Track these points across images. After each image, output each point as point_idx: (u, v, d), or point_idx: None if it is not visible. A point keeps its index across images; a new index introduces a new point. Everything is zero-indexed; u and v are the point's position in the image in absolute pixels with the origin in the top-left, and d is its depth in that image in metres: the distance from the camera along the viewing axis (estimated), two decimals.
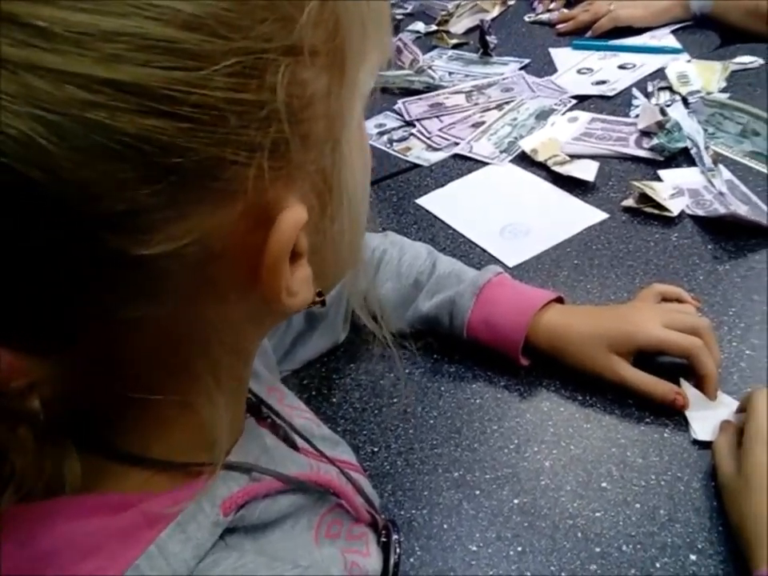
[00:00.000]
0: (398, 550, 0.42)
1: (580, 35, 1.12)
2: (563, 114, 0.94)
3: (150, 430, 0.28)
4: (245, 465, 0.31)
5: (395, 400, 0.62)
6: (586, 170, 0.83)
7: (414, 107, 1.02)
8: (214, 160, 0.21)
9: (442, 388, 0.62)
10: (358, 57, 0.25)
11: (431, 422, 0.60)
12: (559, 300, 0.62)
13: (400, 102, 1.02)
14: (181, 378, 0.27)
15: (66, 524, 0.25)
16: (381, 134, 0.98)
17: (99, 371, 0.26)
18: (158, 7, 0.19)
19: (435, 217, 0.82)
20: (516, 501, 0.53)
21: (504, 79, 1.04)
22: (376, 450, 0.58)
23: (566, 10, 1.17)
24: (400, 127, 0.99)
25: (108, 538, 0.25)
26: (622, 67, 1.02)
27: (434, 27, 1.20)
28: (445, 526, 0.52)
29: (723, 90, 0.92)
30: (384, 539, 0.42)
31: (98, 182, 0.19)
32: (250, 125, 0.21)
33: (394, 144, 0.96)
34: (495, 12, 1.22)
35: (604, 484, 0.53)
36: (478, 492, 0.54)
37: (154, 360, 0.26)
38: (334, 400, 0.62)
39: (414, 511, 0.53)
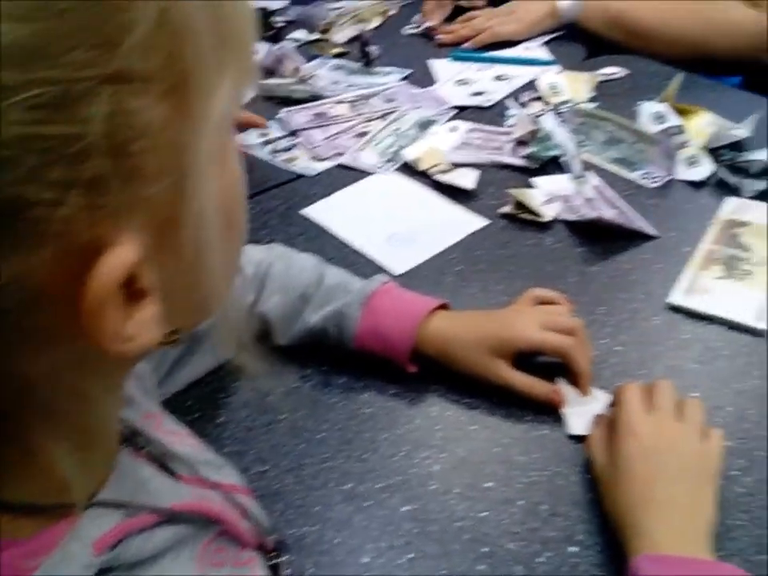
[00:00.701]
0: (286, 572, 0.41)
1: (458, 46, 1.16)
2: (444, 124, 0.97)
3: (1, 473, 0.26)
4: (117, 501, 0.30)
5: (284, 416, 0.61)
6: (467, 179, 0.85)
7: (298, 116, 1.01)
8: (14, 200, 0.19)
9: (333, 400, 0.62)
10: (207, 82, 0.23)
11: (321, 435, 0.59)
12: (445, 306, 0.64)
13: (283, 111, 1.02)
14: (15, 423, 0.25)
15: None
16: (264, 143, 0.96)
17: None
18: None
19: (322, 227, 0.82)
20: (407, 508, 0.53)
21: (386, 90, 1.06)
22: (265, 469, 0.57)
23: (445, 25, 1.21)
24: (284, 137, 0.98)
25: None
26: (497, 78, 1.06)
27: (315, 36, 1.20)
28: (336, 541, 0.51)
29: (591, 100, 0.98)
30: (272, 562, 0.41)
31: None
32: (58, 161, 0.20)
33: (278, 154, 0.95)
34: (376, 23, 1.23)
35: (490, 484, 0.55)
36: (369, 503, 0.54)
37: None
38: (220, 420, 0.60)
39: (305, 528, 0.52)
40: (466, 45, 1.14)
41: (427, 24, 1.19)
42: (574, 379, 0.59)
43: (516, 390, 0.59)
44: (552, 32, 1.15)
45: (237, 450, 0.58)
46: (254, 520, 0.41)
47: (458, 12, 1.23)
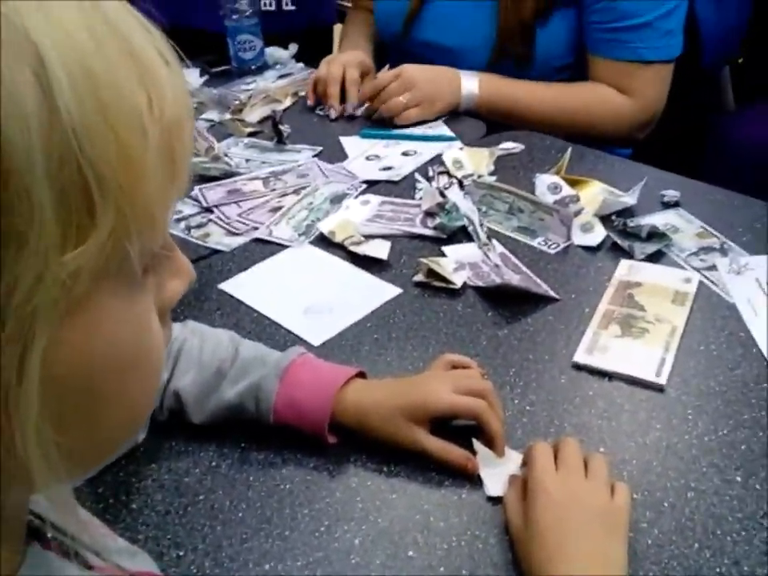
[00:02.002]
0: None
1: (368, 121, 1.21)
2: (356, 197, 1.00)
3: None
4: None
5: (201, 497, 0.59)
6: (380, 249, 0.88)
7: (212, 194, 1.02)
8: None
9: (251, 478, 0.61)
10: (49, 232, 0.22)
11: (240, 515, 0.58)
12: (362, 374, 0.65)
13: (197, 188, 1.03)
14: None
15: None
16: (178, 220, 0.97)
17: None
18: None
19: (239, 301, 0.82)
20: None
21: (299, 166, 1.09)
22: (182, 553, 0.55)
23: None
24: (198, 213, 0.98)
25: None
26: (405, 154, 1.11)
27: (228, 116, 1.23)
28: None
29: (491, 173, 1.04)
30: None
31: None
32: None
33: (192, 230, 0.95)
34: (287, 102, 1.28)
35: (411, 553, 0.55)
36: None
37: None
38: (134, 506, 0.58)
39: None
40: (397, 120, 1.19)
41: (333, 114, 1.23)
42: (487, 441, 0.61)
43: (432, 456, 0.60)
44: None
45: (152, 535, 0.56)
46: None
47: None
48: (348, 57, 1.28)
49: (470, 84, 1.19)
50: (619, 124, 1.19)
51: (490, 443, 0.61)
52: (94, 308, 0.25)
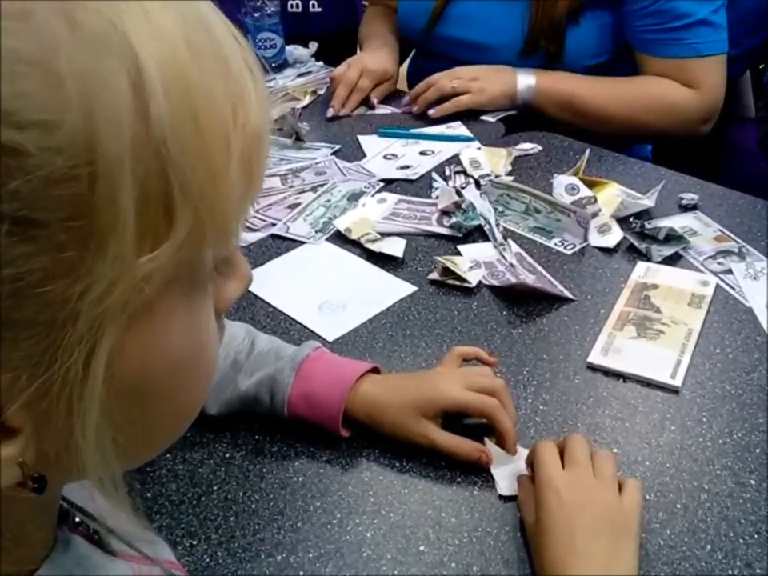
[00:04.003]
0: None
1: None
2: (373, 195, 1.01)
3: None
4: None
5: (215, 488, 0.60)
6: (396, 247, 0.89)
7: None
8: None
9: (264, 469, 0.62)
10: (129, 236, 0.22)
11: (253, 506, 0.59)
12: (375, 370, 0.65)
13: None
14: None
15: None
16: None
17: None
18: None
19: (255, 295, 0.83)
20: None
21: (317, 163, 1.09)
22: (195, 542, 0.56)
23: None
24: None
25: None
26: (422, 153, 1.11)
27: None
28: None
29: (509, 174, 1.04)
30: None
31: None
32: None
33: None
34: (306, 101, 1.28)
35: (422, 547, 0.55)
36: (301, 574, 0.53)
37: None
38: (149, 495, 0.59)
39: None
40: (431, 112, 1.18)
41: (331, 112, 1.23)
42: (498, 440, 0.61)
43: (443, 450, 0.60)
44: (507, 110, 1.21)
45: (166, 524, 0.57)
46: None
47: None
48: (370, 62, 1.27)
49: (527, 76, 1.18)
50: (683, 116, 1.17)
51: (501, 441, 0.61)
52: (162, 312, 0.25)
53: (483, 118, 1.19)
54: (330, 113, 1.23)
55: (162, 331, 0.26)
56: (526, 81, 1.18)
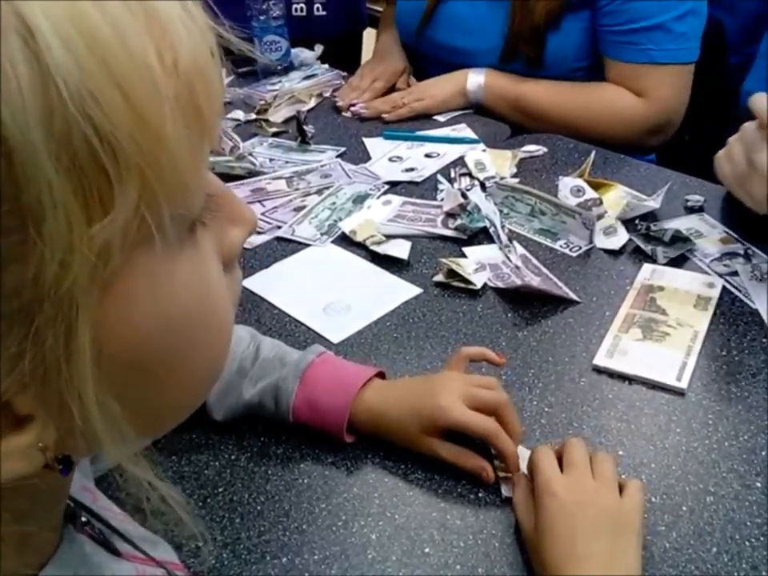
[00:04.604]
0: None
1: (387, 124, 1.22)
2: (378, 197, 1.01)
3: None
4: None
5: (221, 490, 0.60)
6: (401, 249, 0.89)
7: (236, 192, 1.03)
8: None
9: (269, 471, 0.62)
10: (68, 208, 0.21)
11: (258, 508, 0.59)
12: (381, 374, 0.65)
13: None
14: None
15: None
16: None
17: None
18: None
19: (261, 297, 0.83)
20: None
21: (322, 166, 1.10)
22: (201, 544, 0.55)
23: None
24: None
25: None
26: (427, 156, 1.12)
27: (253, 116, 1.24)
28: None
29: (514, 176, 1.04)
30: None
31: None
32: None
33: None
34: (312, 103, 1.29)
35: (427, 549, 0.55)
36: (306, 575, 0.53)
37: None
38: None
39: None
40: (385, 117, 1.22)
41: (339, 103, 1.26)
42: (502, 461, 0.60)
43: (449, 462, 0.60)
44: (462, 109, 1.24)
45: (171, 525, 0.57)
46: None
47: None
48: (384, 67, 1.32)
49: (477, 76, 1.21)
50: (627, 125, 1.15)
51: (503, 462, 0.60)
52: (133, 279, 0.24)
53: (435, 118, 1.22)
54: (339, 102, 1.26)
55: (143, 296, 0.24)
56: (476, 80, 1.20)
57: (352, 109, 1.25)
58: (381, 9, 1.58)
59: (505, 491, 0.59)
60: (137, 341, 0.25)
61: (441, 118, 1.23)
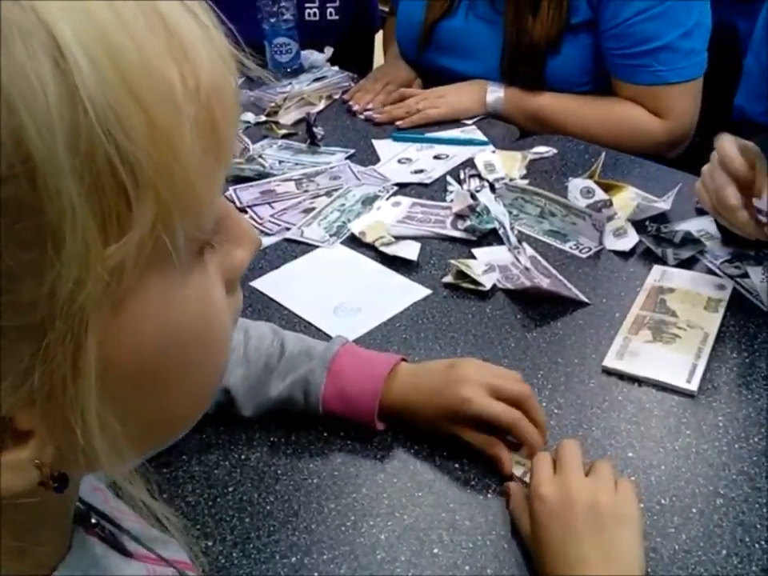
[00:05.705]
0: None
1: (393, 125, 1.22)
2: (387, 199, 1.01)
3: None
4: None
5: (230, 489, 0.61)
6: (410, 250, 0.89)
7: (246, 194, 1.04)
8: None
9: (279, 471, 0.62)
10: (86, 228, 0.21)
11: (268, 508, 0.59)
12: (403, 359, 0.66)
13: (231, 188, 1.04)
14: None
15: None
16: None
17: None
18: None
19: (270, 298, 0.84)
20: None
21: (331, 168, 1.10)
22: (210, 543, 0.56)
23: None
24: None
25: None
26: (437, 157, 1.12)
27: (263, 118, 1.24)
28: None
29: (523, 177, 1.04)
30: None
31: None
32: None
33: None
34: (321, 105, 1.29)
35: (436, 550, 0.55)
36: (315, 575, 0.54)
37: None
38: (165, 496, 0.60)
39: None
40: (399, 123, 1.21)
41: (355, 107, 1.26)
42: (526, 450, 0.60)
43: (474, 446, 0.61)
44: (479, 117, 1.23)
45: (182, 525, 0.57)
46: None
47: None
48: (395, 73, 1.33)
49: (498, 88, 1.21)
50: (646, 141, 1.16)
51: (528, 452, 0.60)
52: (144, 298, 0.24)
53: (461, 129, 1.21)
54: (354, 106, 1.26)
55: (151, 316, 0.25)
56: (496, 92, 1.21)
57: (366, 113, 1.25)
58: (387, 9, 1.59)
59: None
60: (141, 359, 0.25)
61: None
